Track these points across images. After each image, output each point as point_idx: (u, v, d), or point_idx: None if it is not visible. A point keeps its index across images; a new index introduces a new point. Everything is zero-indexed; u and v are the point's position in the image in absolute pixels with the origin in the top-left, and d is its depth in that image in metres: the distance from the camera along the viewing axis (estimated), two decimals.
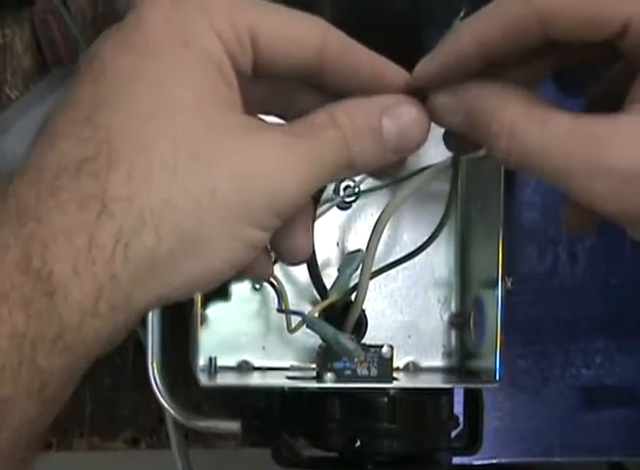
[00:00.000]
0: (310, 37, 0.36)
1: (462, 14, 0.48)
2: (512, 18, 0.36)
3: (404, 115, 0.37)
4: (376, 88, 0.38)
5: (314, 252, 0.52)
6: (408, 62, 0.56)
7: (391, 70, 0.38)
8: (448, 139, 0.40)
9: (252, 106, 0.37)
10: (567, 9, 0.35)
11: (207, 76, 0.34)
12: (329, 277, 0.54)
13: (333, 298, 0.51)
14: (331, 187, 0.54)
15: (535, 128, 0.36)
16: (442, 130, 0.40)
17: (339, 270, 0.52)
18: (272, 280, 0.53)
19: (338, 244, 0.56)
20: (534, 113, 0.36)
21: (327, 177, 0.37)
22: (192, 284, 0.35)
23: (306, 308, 0.53)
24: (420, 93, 0.38)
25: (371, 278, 0.50)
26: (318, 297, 0.54)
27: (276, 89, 0.39)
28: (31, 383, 0.32)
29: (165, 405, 0.56)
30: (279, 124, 0.37)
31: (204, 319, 0.53)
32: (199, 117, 0.34)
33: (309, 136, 0.36)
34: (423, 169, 0.46)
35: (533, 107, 0.37)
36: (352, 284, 0.51)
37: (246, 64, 0.36)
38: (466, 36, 0.37)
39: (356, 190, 0.54)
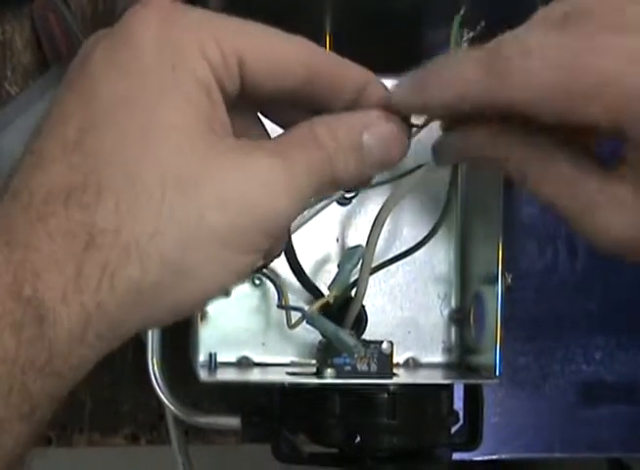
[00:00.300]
0: (297, 61, 0.37)
1: (462, 12, 0.48)
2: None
3: (385, 131, 0.38)
4: (361, 104, 0.38)
5: (296, 257, 0.52)
6: (408, 61, 0.56)
7: (377, 87, 0.39)
8: (435, 154, 0.41)
9: (241, 124, 0.38)
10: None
11: (195, 101, 0.35)
12: (329, 273, 0.54)
13: (332, 294, 0.51)
14: None
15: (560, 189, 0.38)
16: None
17: (338, 266, 0.52)
18: (272, 276, 0.53)
19: (337, 240, 0.56)
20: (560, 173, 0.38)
21: (312, 195, 0.37)
22: (178, 311, 0.36)
23: (306, 304, 0.53)
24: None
25: (371, 274, 0.50)
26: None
27: (263, 107, 0.40)
28: (22, 406, 0.32)
29: (165, 401, 0.56)
30: (263, 142, 0.37)
31: (203, 315, 0.53)
32: (186, 144, 0.34)
33: (294, 157, 0.36)
34: (422, 165, 0.46)
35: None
36: (352, 280, 0.51)
37: (233, 86, 0.36)
38: (438, 100, 0.38)
39: None
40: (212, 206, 0.34)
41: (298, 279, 0.53)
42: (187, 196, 0.33)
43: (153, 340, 0.55)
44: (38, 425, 0.33)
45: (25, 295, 0.32)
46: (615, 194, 0.37)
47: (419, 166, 0.45)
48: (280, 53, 0.36)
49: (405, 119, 0.39)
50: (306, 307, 0.51)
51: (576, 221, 0.38)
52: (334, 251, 0.56)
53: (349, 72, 0.38)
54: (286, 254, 0.52)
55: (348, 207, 0.55)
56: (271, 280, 0.53)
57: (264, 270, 0.53)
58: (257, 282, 0.55)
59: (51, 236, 0.32)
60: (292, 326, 0.52)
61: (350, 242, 0.55)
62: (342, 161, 0.37)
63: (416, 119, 0.40)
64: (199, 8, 0.37)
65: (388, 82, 0.55)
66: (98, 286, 0.33)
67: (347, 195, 0.54)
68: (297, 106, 0.39)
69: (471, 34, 0.49)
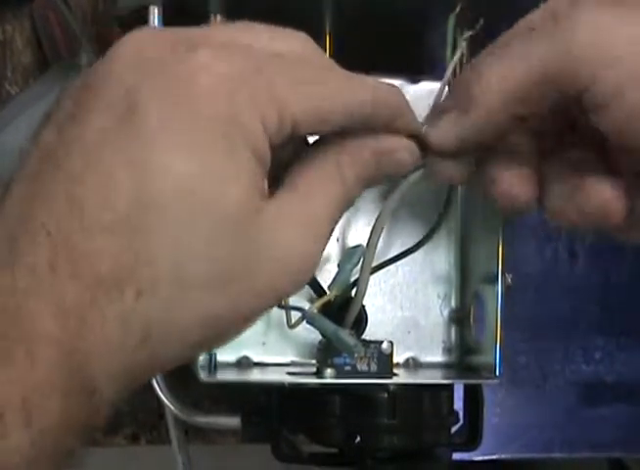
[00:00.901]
0: (341, 113, 0.37)
1: (457, 9, 0.48)
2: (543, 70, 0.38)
3: (401, 159, 0.40)
4: (387, 131, 0.40)
5: None
6: (406, 61, 0.56)
7: (407, 119, 0.40)
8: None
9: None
10: None
11: (252, 179, 0.35)
12: (329, 273, 0.54)
13: (333, 293, 0.51)
14: None
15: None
16: None
17: (339, 266, 0.52)
18: None
19: (338, 239, 0.56)
20: None
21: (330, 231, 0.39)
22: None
23: (306, 304, 0.53)
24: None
25: (371, 274, 0.50)
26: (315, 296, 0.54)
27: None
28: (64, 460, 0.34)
29: (165, 401, 0.56)
30: (291, 202, 0.38)
31: None
32: (238, 237, 0.35)
33: (322, 202, 0.38)
34: (423, 166, 0.46)
35: None
36: (352, 280, 0.51)
37: (278, 142, 0.36)
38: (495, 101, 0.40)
39: None
40: (255, 299, 0.36)
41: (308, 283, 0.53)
42: (233, 293, 0.35)
43: None
44: None
45: (79, 369, 0.33)
46: None
47: (420, 167, 0.45)
48: (330, 112, 0.37)
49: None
50: (306, 307, 0.51)
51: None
52: (334, 250, 0.56)
53: (386, 106, 0.39)
54: None
55: None
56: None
57: None
58: None
59: (105, 320, 0.33)
60: (292, 326, 0.52)
61: (351, 242, 0.55)
62: (359, 190, 0.39)
63: None
64: (263, 59, 0.36)
65: (389, 82, 0.55)
66: (143, 370, 0.35)
67: None
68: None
69: (470, 33, 0.49)
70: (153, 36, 0.36)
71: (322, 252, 0.38)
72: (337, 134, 0.39)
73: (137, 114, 0.33)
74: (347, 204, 0.39)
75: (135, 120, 0.33)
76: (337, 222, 0.39)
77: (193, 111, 0.34)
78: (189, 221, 0.33)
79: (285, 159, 0.39)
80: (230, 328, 0.37)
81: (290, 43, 0.38)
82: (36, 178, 0.34)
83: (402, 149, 0.40)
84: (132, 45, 0.35)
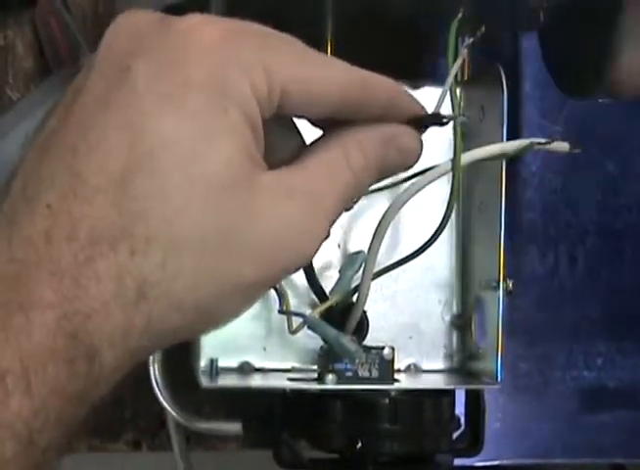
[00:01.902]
0: (334, 88, 0.37)
1: (459, 16, 0.48)
2: None
3: (408, 146, 0.40)
4: (389, 114, 0.39)
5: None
6: (407, 67, 0.56)
7: (404, 100, 0.40)
8: None
9: (273, 138, 0.38)
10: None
11: (244, 144, 0.35)
12: (330, 279, 0.54)
13: (334, 299, 0.51)
14: None
15: None
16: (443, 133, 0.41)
17: (340, 272, 0.52)
18: None
19: (339, 245, 0.56)
20: None
21: (336, 217, 0.39)
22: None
23: (307, 310, 0.53)
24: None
25: (372, 279, 0.50)
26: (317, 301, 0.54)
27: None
28: (67, 433, 0.34)
29: (167, 407, 0.56)
30: (297, 178, 0.38)
31: None
32: (229, 196, 0.35)
33: (326, 194, 0.37)
34: (425, 171, 0.46)
35: None
36: (354, 285, 0.51)
37: (270, 113, 0.36)
38: None
39: None
40: (249, 263, 0.35)
41: (308, 281, 0.53)
42: (227, 254, 0.35)
43: None
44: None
45: (78, 333, 0.33)
46: None
47: (421, 172, 0.45)
48: (320, 83, 0.37)
49: (424, 123, 0.40)
50: (308, 313, 0.51)
51: None
52: (335, 256, 0.56)
53: (380, 89, 0.39)
54: None
55: (350, 212, 0.55)
56: (273, 286, 0.53)
57: None
58: None
59: (100, 279, 0.33)
60: (293, 332, 0.52)
61: (352, 248, 0.55)
62: (367, 178, 0.39)
63: None
64: (250, 29, 0.37)
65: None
66: (141, 335, 0.34)
67: None
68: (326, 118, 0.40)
69: (471, 40, 0.49)
70: (138, 13, 0.37)
71: (325, 234, 0.38)
72: (341, 125, 0.39)
73: (128, 79, 0.35)
74: (355, 192, 0.39)
75: (126, 85, 0.35)
76: (343, 209, 0.39)
77: (181, 72, 0.35)
78: (179, 181, 0.34)
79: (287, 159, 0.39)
80: (228, 300, 0.36)
81: (282, 33, 0.39)
82: (41, 158, 0.35)
83: (404, 134, 0.40)
84: (125, 20, 0.37)
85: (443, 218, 0.51)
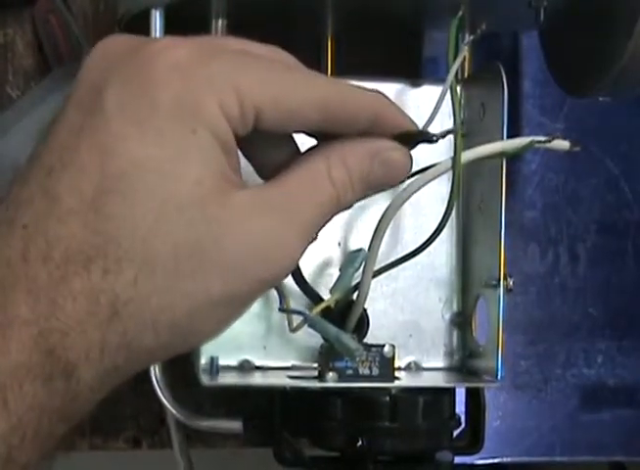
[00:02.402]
0: (312, 108, 0.37)
1: (460, 13, 0.48)
2: None
3: (395, 161, 0.40)
4: (374, 129, 0.39)
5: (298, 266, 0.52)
6: (409, 63, 0.56)
7: (389, 114, 0.40)
8: None
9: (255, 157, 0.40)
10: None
11: (214, 163, 0.36)
12: (330, 277, 0.54)
13: (334, 297, 0.51)
14: None
15: None
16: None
17: (340, 270, 0.52)
18: None
19: (339, 243, 0.56)
20: None
21: (316, 231, 0.39)
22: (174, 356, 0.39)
23: (308, 308, 0.53)
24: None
25: (373, 277, 0.50)
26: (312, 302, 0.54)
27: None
28: (46, 449, 0.35)
29: (167, 405, 0.55)
30: (274, 193, 0.38)
31: None
32: (200, 215, 0.35)
33: (304, 208, 0.38)
34: (425, 169, 0.46)
35: None
36: (354, 283, 0.51)
37: (245, 132, 0.37)
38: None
39: None
40: (221, 280, 0.36)
41: (299, 286, 0.53)
42: (197, 271, 0.35)
43: None
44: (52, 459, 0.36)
45: (54, 350, 0.33)
46: None
47: (421, 170, 0.45)
48: (296, 101, 0.37)
49: (413, 140, 0.40)
50: (308, 311, 0.51)
51: None
52: (335, 254, 0.56)
53: (363, 105, 0.39)
54: None
55: (350, 210, 0.54)
56: (251, 301, 0.53)
57: None
58: None
59: (75, 298, 0.34)
60: (293, 330, 0.52)
61: (352, 246, 0.55)
62: (349, 195, 0.39)
63: None
64: (226, 47, 0.37)
65: (391, 85, 0.55)
66: (117, 352, 0.35)
67: None
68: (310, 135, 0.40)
69: (472, 38, 0.49)
70: (117, 38, 0.38)
71: (303, 248, 0.38)
72: (326, 140, 0.39)
73: (99, 103, 0.35)
74: (336, 207, 0.39)
75: (97, 110, 0.35)
76: (323, 222, 0.39)
77: (149, 94, 0.35)
78: (149, 201, 0.34)
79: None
80: (201, 318, 0.36)
81: (259, 47, 0.39)
82: (23, 182, 0.36)
83: (391, 149, 0.40)
84: (99, 48, 0.38)
85: (444, 217, 0.51)
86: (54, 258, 0.34)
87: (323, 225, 0.39)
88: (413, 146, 0.41)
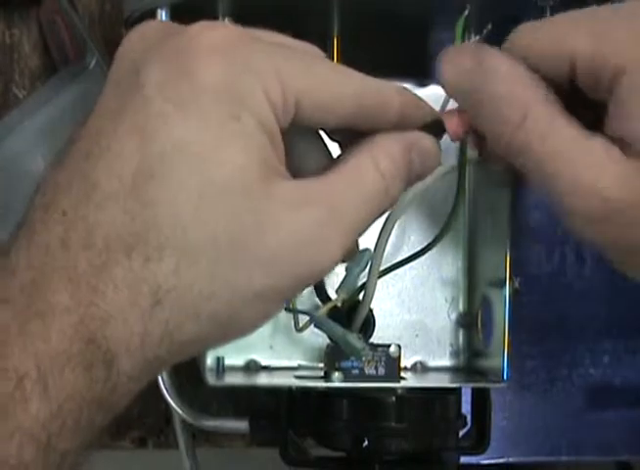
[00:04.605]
0: (347, 99, 0.37)
1: (466, 12, 0.48)
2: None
3: (427, 148, 0.40)
4: (404, 122, 0.39)
5: None
6: (415, 63, 0.56)
7: (421, 108, 0.40)
8: None
9: (294, 148, 0.38)
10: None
11: (258, 150, 0.35)
12: (336, 276, 0.54)
13: (340, 297, 0.51)
14: None
15: (544, 128, 0.37)
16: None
17: (346, 269, 0.52)
18: None
19: None
20: (551, 114, 0.37)
21: (362, 232, 0.38)
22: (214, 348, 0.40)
23: (314, 308, 0.53)
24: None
25: (379, 277, 0.50)
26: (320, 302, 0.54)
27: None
28: (87, 438, 0.35)
29: (173, 405, 0.56)
30: (318, 186, 0.37)
31: None
32: (242, 203, 0.34)
33: (349, 201, 0.37)
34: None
35: (551, 107, 0.38)
36: (360, 283, 0.51)
37: (286, 123, 0.36)
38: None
39: None
40: (262, 271, 0.35)
41: (315, 288, 0.53)
42: (239, 260, 0.35)
43: None
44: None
45: (95, 340, 0.33)
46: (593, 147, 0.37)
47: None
48: (334, 92, 0.37)
49: (439, 130, 0.41)
50: (314, 311, 0.51)
51: (554, 179, 0.38)
52: None
53: (393, 97, 0.39)
54: None
55: None
56: (291, 297, 0.53)
57: None
58: None
59: (116, 286, 0.33)
60: (299, 330, 0.52)
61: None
62: (397, 185, 0.38)
63: None
64: (261, 38, 0.37)
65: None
66: (159, 342, 0.35)
67: None
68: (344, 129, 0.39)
69: (477, 38, 0.49)
70: (153, 23, 0.38)
71: (347, 246, 0.37)
72: (362, 136, 0.39)
73: (138, 85, 0.35)
74: (386, 200, 0.38)
75: (136, 91, 0.35)
76: (371, 219, 0.38)
77: (190, 75, 0.34)
78: (191, 187, 0.34)
79: None
80: (242, 309, 0.36)
81: (293, 40, 0.39)
82: (59, 166, 0.35)
83: (424, 139, 0.40)
84: (137, 32, 0.37)
85: (450, 216, 0.51)
86: (94, 244, 0.33)
87: (371, 223, 0.38)
88: (441, 136, 0.41)
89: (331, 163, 0.39)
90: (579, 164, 0.37)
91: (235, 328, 0.37)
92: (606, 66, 0.36)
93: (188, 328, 0.35)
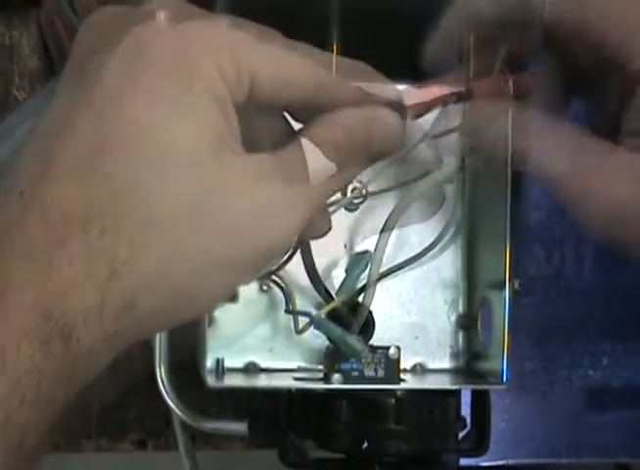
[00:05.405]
0: (307, 73, 0.37)
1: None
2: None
3: (388, 123, 0.40)
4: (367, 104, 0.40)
5: (313, 261, 0.52)
6: (413, 62, 0.56)
7: (385, 89, 0.41)
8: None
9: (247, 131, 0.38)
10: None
11: (211, 121, 0.35)
12: (336, 279, 0.54)
13: (340, 299, 0.51)
14: None
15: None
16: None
17: (346, 271, 0.52)
18: (279, 281, 0.53)
19: (345, 245, 0.56)
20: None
21: (322, 204, 0.39)
22: (177, 325, 0.38)
23: (314, 310, 0.53)
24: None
25: (380, 279, 0.50)
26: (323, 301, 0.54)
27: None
28: (47, 413, 0.34)
29: (173, 407, 0.56)
30: (278, 160, 0.37)
31: (211, 320, 0.53)
32: (200, 173, 0.35)
33: (304, 163, 0.37)
34: (429, 172, 0.46)
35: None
36: (360, 285, 0.51)
37: (242, 98, 0.36)
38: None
39: (364, 192, 0.54)
40: (222, 241, 0.35)
41: (312, 282, 0.53)
42: (198, 231, 0.35)
43: (160, 345, 0.55)
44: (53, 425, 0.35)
45: (51, 314, 0.33)
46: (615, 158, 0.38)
47: (426, 173, 0.45)
48: (291, 67, 0.37)
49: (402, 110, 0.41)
50: (314, 313, 0.51)
51: (571, 185, 0.38)
52: (341, 256, 0.56)
53: (353, 71, 0.41)
54: (303, 260, 0.52)
55: (356, 213, 0.55)
56: (279, 286, 0.53)
57: (273, 276, 0.53)
58: (265, 288, 0.55)
59: (72, 260, 0.34)
60: (299, 332, 0.52)
61: (358, 248, 0.55)
62: (353, 159, 0.39)
63: None
64: (213, 18, 0.37)
65: (395, 86, 0.55)
66: (117, 314, 0.34)
67: (355, 201, 0.54)
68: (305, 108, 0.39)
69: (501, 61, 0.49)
70: (105, 9, 0.39)
71: (306, 216, 0.37)
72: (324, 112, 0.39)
73: (93, 65, 0.35)
74: (343, 173, 0.38)
75: (91, 71, 0.35)
76: (329, 192, 0.38)
77: (142, 52, 0.35)
78: (146, 159, 0.34)
79: None
80: (204, 280, 0.36)
81: (250, 23, 0.40)
82: (20, 151, 0.36)
83: (387, 114, 0.40)
84: (92, 17, 0.38)
85: (449, 219, 0.51)
86: (51, 220, 0.34)
87: (327, 196, 0.39)
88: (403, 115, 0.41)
89: (290, 139, 0.39)
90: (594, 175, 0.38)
91: (197, 301, 0.37)
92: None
93: (146, 300, 0.35)
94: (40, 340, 0.33)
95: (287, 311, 0.53)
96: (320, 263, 0.55)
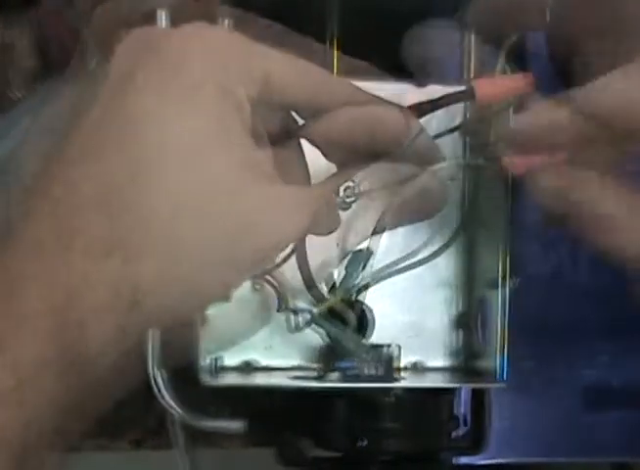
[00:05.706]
0: (306, 82, 0.38)
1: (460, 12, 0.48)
2: None
3: (391, 125, 0.40)
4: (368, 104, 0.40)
5: (307, 261, 0.52)
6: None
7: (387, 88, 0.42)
8: None
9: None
10: None
11: (243, 150, 0.36)
12: (330, 277, 0.54)
13: (337, 297, 0.51)
14: None
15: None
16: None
17: (345, 269, 0.52)
18: (272, 280, 0.53)
19: (338, 244, 0.56)
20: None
21: (324, 203, 0.40)
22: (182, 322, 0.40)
23: (311, 308, 0.53)
24: None
25: (382, 279, 0.50)
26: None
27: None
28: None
29: (170, 406, 0.55)
30: (279, 154, 0.38)
31: (206, 319, 0.53)
32: (202, 170, 0.35)
33: (300, 160, 0.39)
34: (423, 171, 0.46)
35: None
36: (357, 283, 0.51)
37: (255, 95, 0.37)
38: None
39: (356, 190, 0.54)
40: (223, 240, 0.36)
41: (306, 284, 0.53)
42: (200, 230, 0.35)
43: (153, 344, 0.54)
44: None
45: (70, 343, 0.34)
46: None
47: (419, 172, 0.45)
48: (300, 70, 0.38)
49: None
50: (311, 311, 0.51)
51: (597, 233, 0.39)
52: (334, 255, 0.55)
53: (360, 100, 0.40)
54: (297, 259, 0.52)
55: (349, 211, 0.55)
56: (272, 285, 0.53)
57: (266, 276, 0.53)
58: (257, 287, 0.54)
59: (94, 288, 0.34)
60: (295, 330, 0.52)
61: (350, 246, 0.55)
62: (354, 160, 0.40)
63: None
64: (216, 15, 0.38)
65: (396, 85, 0.55)
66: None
67: (348, 200, 0.54)
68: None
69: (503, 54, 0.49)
70: (149, 27, 0.39)
71: (310, 213, 0.38)
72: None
73: (125, 93, 0.35)
74: (345, 175, 0.40)
75: (122, 99, 0.35)
76: (332, 189, 0.40)
77: (177, 80, 0.35)
78: (175, 189, 0.34)
79: None
80: (206, 274, 0.36)
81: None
82: (43, 173, 0.36)
83: (388, 114, 0.40)
84: (131, 36, 0.38)
85: (460, 220, 0.51)
86: (73, 248, 0.34)
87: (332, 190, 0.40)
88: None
89: (291, 138, 0.40)
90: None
91: (198, 299, 0.37)
92: None
93: (151, 299, 0.35)
94: (59, 372, 0.33)
95: (279, 310, 0.53)
96: (313, 262, 0.54)
